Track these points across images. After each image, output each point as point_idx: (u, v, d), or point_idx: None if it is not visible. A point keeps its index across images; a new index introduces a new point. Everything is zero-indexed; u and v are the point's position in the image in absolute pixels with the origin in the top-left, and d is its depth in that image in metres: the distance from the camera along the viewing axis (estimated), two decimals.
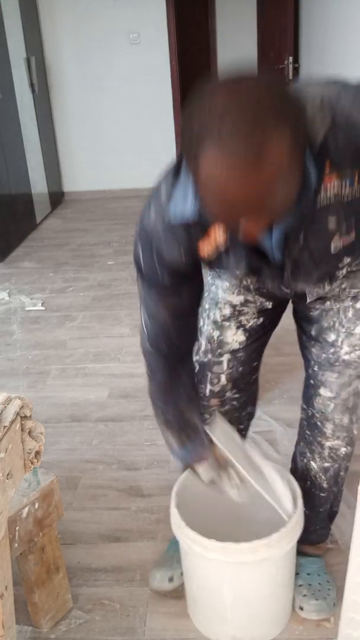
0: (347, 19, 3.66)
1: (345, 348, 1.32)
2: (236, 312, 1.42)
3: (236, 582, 1.34)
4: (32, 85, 5.03)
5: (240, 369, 1.49)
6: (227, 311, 1.42)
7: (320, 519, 1.53)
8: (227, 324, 1.43)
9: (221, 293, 1.42)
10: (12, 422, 0.97)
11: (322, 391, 1.37)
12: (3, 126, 4.40)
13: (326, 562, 1.61)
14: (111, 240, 4.65)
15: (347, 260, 1.13)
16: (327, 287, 1.24)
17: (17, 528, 1.29)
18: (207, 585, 1.38)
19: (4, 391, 1.02)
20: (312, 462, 1.44)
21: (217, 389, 1.50)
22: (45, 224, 5.22)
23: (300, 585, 1.51)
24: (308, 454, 1.44)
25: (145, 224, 1.07)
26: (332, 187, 0.94)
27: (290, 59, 5.07)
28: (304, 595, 1.49)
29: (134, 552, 1.71)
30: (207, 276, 1.48)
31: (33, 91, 5.06)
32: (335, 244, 1.06)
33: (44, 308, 3.45)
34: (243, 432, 1.63)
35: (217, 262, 1.09)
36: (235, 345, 1.45)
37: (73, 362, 2.82)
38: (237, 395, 1.53)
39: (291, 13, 4.95)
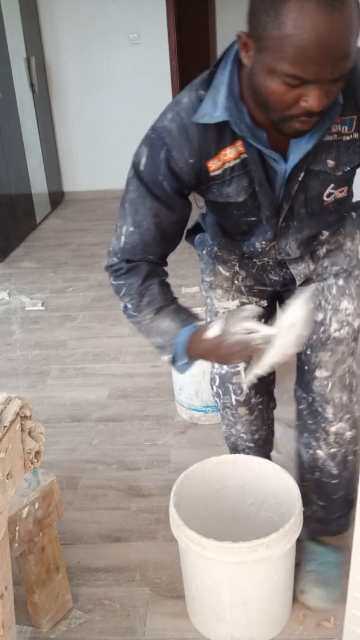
0: None
1: (334, 325, 1.35)
2: None
3: (235, 582, 1.34)
4: (32, 85, 5.03)
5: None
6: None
7: (337, 507, 1.52)
8: None
9: (217, 303, 1.45)
10: (12, 422, 0.97)
11: (318, 372, 1.38)
12: (3, 126, 4.40)
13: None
14: (111, 240, 4.64)
15: (332, 217, 1.25)
16: (311, 266, 1.32)
17: (17, 528, 1.29)
18: (205, 585, 1.38)
19: (4, 391, 1.02)
20: (318, 451, 1.44)
21: (242, 398, 1.52)
22: (45, 224, 5.22)
23: (309, 571, 1.52)
24: (313, 443, 1.44)
25: (158, 128, 1.10)
26: (337, 125, 1.07)
27: None
28: (309, 581, 1.50)
29: (134, 552, 1.71)
30: (201, 291, 1.50)
31: (33, 91, 5.06)
32: (329, 192, 1.15)
33: (44, 308, 3.45)
34: (270, 426, 1.65)
35: (216, 185, 1.14)
36: None
37: (73, 362, 2.82)
38: (261, 399, 1.56)
39: None
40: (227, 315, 1.23)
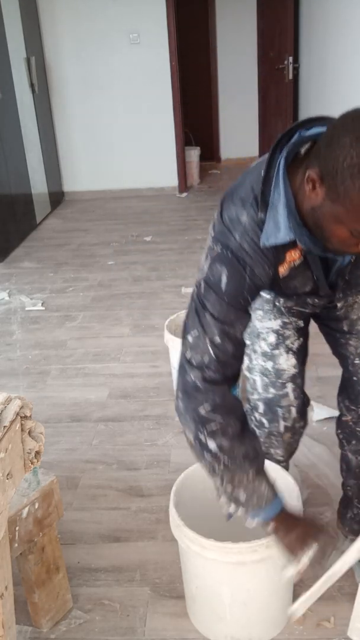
0: (347, 19, 3.66)
1: None
2: (281, 337, 1.44)
3: (235, 582, 1.34)
4: (32, 85, 5.03)
5: (302, 396, 1.52)
6: (272, 339, 1.44)
7: None
8: (276, 351, 1.45)
9: (258, 324, 1.45)
10: (12, 422, 0.97)
11: None
12: (3, 126, 4.40)
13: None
14: (111, 240, 4.65)
15: None
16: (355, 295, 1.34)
17: (17, 528, 1.29)
18: (205, 585, 1.38)
19: (4, 391, 1.02)
20: None
21: (289, 423, 1.52)
22: (45, 224, 5.22)
23: None
24: None
25: (232, 247, 1.10)
26: None
27: (290, 59, 5.07)
28: None
29: (134, 552, 1.71)
30: None
31: (33, 91, 5.06)
32: None
33: (44, 308, 3.45)
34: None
35: (285, 282, 1.19)
36: (292, 371, 1.47)
37: (73, 362, 2.82)
38: (302, 423, 1.57)
39: (291, 13, 4.95)
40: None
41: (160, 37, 5.39)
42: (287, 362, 1.46)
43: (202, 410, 1.12)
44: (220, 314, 1.11)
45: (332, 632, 1.44)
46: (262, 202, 1.07)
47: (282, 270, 1.15)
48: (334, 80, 4.02)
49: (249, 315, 1.18)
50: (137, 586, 1.61)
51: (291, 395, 1.48)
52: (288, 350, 1.45)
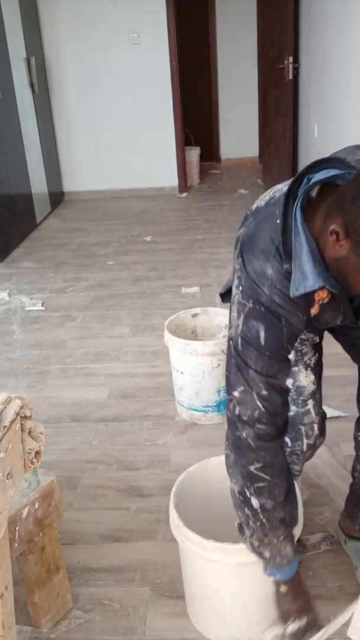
0: (347, 19, 3.66)
1: None
2: (299, 354, 1.45)
3: (235, 582, 1.34)
4: (32, 85, 5.03)
5: (322, 412, 1.53)
6: (291, 356, 1.42)
7: None
8: (296, 368, 1.46)
9: None
10: (12, 422, 0.97)
11: None
12: (3, 126, 4.40)
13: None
14: (111, 240, 4.65)
15: None
16: None
17: (17, 528, 1.29)
18: (205, 585, 1.38)
19: (4, 391, 1.02)
20: None
21: (312, 441, 1.52)
22: (45, 224, 5.22)
23: None
24: None
25: (264, 302, 1.10)
26: None
27: (290, 59, 5.06)
28: None
29: (134, 552, 1.71)
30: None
31: (33, 91, 5.07)
32: None
33: (44, 308, 3.45)
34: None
35: (316, 319, 1.21)
36: (312, 387, 1.48)
37: (73, 362, 2.82)
38: (322, 439, 1.57)
39: (291, 13, 4.94)
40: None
41: (160, 37, 5.40)
42: (306, 379, 1.46)
43: (253, 468, 1.15)
44: (264, 369, 1.12)
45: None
46: (285, 253, 1.07)
47: (314, 310, 1.17)
48: (334, 80, 4.02)
49: (290, 362, 1.19)
50: (137, 586, 1.61)
51: (312, 412, 1.49)
52: (307, 366, 1.46)
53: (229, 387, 1.16)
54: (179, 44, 5.47)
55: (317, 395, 1.49)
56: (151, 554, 1.70)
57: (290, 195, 1.05)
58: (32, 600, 1.46)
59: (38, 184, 5.16)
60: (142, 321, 3.19)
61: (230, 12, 6.57)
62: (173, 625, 1.48)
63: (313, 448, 1.55)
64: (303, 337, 1.44)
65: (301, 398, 1.47)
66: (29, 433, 1.03)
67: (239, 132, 6.99)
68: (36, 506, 1.33)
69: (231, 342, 1.15)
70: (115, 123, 5.71)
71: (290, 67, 5.10)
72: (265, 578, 1.32)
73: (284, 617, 1.23)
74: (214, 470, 1.51)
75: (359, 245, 0.94)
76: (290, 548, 1.21)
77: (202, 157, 6.47)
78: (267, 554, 1.20)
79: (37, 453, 1.04)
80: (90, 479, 2.02)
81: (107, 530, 1.80)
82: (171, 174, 5.88)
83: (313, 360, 1.47)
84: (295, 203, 1.05)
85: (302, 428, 1.50)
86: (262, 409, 1.13)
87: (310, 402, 1.48)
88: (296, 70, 5.22)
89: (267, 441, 1.14)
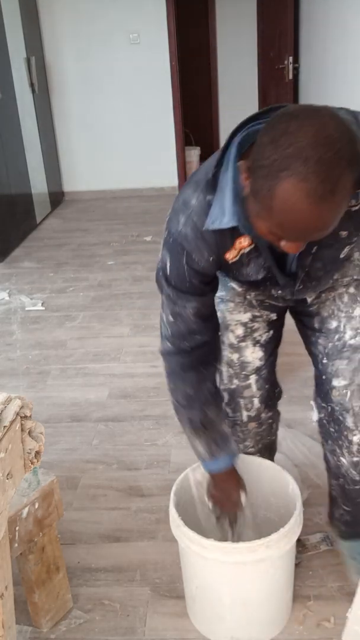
0: (347, 19, 3.66)
1: (349, 332, 1.36)
2: (249, 330, 1.45)
3: (235, 582, 1.34)
4: (32, 85, 5.03)
5: (267, 386, 1.52)
6: (240, 331, 1.45)
7: None
8: (243, 344, 1.46)
9: (228, 315, 1.45)
10: (12, 422, 0.97)
11: (336, 382, 1.38)
12: (3, 126, 4.40)
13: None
14: (111, 240, 4.65)
15: (349, 265, 1.30)
16: (319, 287, 1.32)
17: (17, 528, 1.29)
18: (206, 585, 1.38)
19: (4, 391, 1.02)
20: (342, 458, 1.43)
21: (253, 413, 1.52)
22: (45, 224, 5.22)
23: (354, 559, 1.56)
24: (337, 451, 1.44)
25: (174, 233, 1.14)
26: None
27: (290, 59, 5.07)
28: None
29: (134, 552, 1.71)
30: None
31: (33, 91, 5.06)
32: (345, 251, 1.18)
33: (44, 308, 3.45)
34: (276, 434, 1.69)
35: (236, 268, 1.19)
36: (257, 363, 1.48)
37: (73, 362, 2.82)
38: (270, 414, 1.57)
39: (291, 13, 4.95)
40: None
41: (160, 37, 5.39)
42: (252, 355, 1.47)
43: (165, 370, 1.35)
44: (170, 296, 1.21)
45: (332, 632, 1.44)
46: (212, 185, 1.06)
47: (230, 256, 1.15)
48: (334, 80, 4.02)
49: (205, 297, 1.22)
50: (137, 586, 1.61)
51: (254, 387, 1.49)
52: (255, 342, 1.46)
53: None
54: (179, 44, 5.47)
55: (262, 371, 1.49)
56: (151, 554, 1.70)
57: (236, 132, 1.05)
58: (32, 600, 1.46)
59: (38, 184, 5.16)
60: (142, 321, 3.19)
61: (230, 12, 6.57)
62: (173, 625, 1.48)
63: (257, 421, 1.54)
64: (257, 313, 1.43)
65: (243, 372, 1.47)
66: (29, 433, 1.03)
67: None
68: (36, 506, 1.33)
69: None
70: (115, 123, 5.71)
71: (290, 67, 5.11)
72: (265, 577, 1.32)
73: (211, 499, 1.41)
74: None
75: (253, 185, 0.92)
76: (202, 447, 1.35)
77: (202, 157, 6.47)
78: (192, 447, 1.38)
79: (37, 453, 1.04)
80: (90, 479, 2.02)
81: (107, 530, 1.80)
82: (171, 174, 5.88)
83: (265, 337, 1.47)
84: (235, 139, 1.05)
85: (241, 401, 1.51)
86: (168, 331, 1.26)
87: (253, 377, 1.48)
88: (296, 70, 5.22)
89: (169, 354, 1.30)
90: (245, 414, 1.52)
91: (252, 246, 1.13)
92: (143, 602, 1.56)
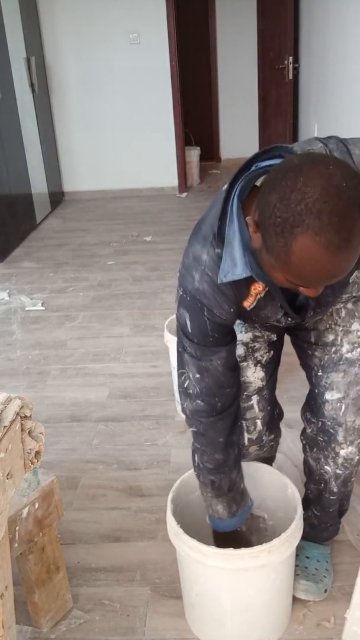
0: (347, 19, 3.66)
1: (346, 346, 1.35)
2: (250, 350, 1.45)
3: (236, 588, 1.33)
4: (32, 85, 5.03)
5: (269, 408, 1.52)
6: (241, 351, 1.44)
7: (330, 518, 1.54)
8: (244, 363, 1.45)
9: None
10: (12, 422, 0.97)
11: (329, 395, 1.36)
12: (3, 126, 4.40)
13: (333, 558, 1.61)
14: (111, 240, 4.65)
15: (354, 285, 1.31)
16: (327, 311, 1.34)
17: (17, 528, 1.29)
18: (206, 592, 1.36)
19: (4, 391, 1.02)
20: (326, 467, 1.41)
21: (254, 436, 1.52)
22: (45, 224, 5.22)
23: (296, 566, 1.52)
24: (322, 460, 1.42)
25: (190, 290, 1.15)
26: None
27: (290, 59, 5.07)
28: (297, 575, 1.51)
29: (134, 552, 1.71)
30: None
31: (33, 91, 5.06)
32: (354, 274, 1.23)
33: (44, 308, 3.45)
34: (274, 455, 1.70)
35: (254, 313, 1.21)
36: (259, 384, 1.47)
37: (73, 362, 2.82)
38: (272, 436, 1.57)
39: (291, 13, 4.95)
40: None
41: (160, 37, 5.39)
42: (254, 375, 1.46)
43: (192, 430, 1.34)
44: (195, 353, 1.21)
45: (332, 632, 1.44)
46: (220, 238, 1.07)
47: (247, 304, 1.16)
48: (334, 80, 4.02)
49: (229, 345, 1.23)
50: (137, 586, 1.61)
51: (256, 408, 1.48)
52: (256, 363, 1.46)
53: (179, 365, 1.28)
54: (179, 44, 5.47)
55: (264, 392, 1.49)
56: (151, 554, 1.70)
57: (235, 181, 1.05)
58: (32, 600, 1.46)
59: (38, 184, 5.16)
60: (142, 321, 3.19)
61: (230, 12, 6.57)
62: (173, 625, 1.48)
63: (259, 444, 1.53)
64: (258, 334, 1.44)
65: (245, 393, 1.47)
66: (29, 433, 1.03)
67: (239, 132, 6.99)
68: (36, 506, 1.33)
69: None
70: (115, 123, 5.71)
71: (290, 67, 5.11)
72: (266, 582, 1.32)
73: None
74: None
75: (265, 241, 0.93)
76: (222, 508, 1.36)
77: (202, 157, 6.47)
78: (204, 502, 1.39)
79: (37, 453, 1.04)
80: (90, 479, 2.02)
81: (107, 530, 1.80)
82: (171, 174, 5.88)
83: (265, 357, 1.46)
84: (235, 189, 1.05)
85: (244, 423, 1.49)
86: (197, 389, 1.24)
87: (255, 398, 1.47)
88: (296, 70, 5.22)
89: (201, 416, 1.27)
90: (247, 437, 1.51)
91: (267, 290, 1.15)
92: (143, 602, 1.56)
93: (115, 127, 5.73)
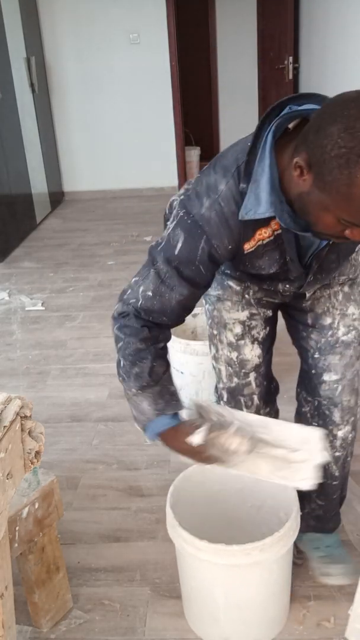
0: (347, 19, 3.66)
1: (342, 329, 1.38)
2: (247, 328, 1.45)
3: (228, 584, 1.33)
4: (32, 85, 5.03)
5: (265, 383, 1.53)
6: (238, 329, 1.45)
7: (334, 506, 1.56)
8: (242, 342, 1.46)
9: (226, 314, 1.45)
10: (12, 422, 0.97)
11: (327, 376, 1.39)
12: (3, 126, 4.40)
13: None
14: (111, 240, 4.65)
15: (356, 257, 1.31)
16: (325, 280, 1.33)
17: (17, 528, 1.29)
18: (200, 586, 1.37)
19: (4, 391, 1.03)
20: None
21: (252, 410, 1.52)
22: (45, 224, 5.22)
23: (322, 556, 1.55)
24: None
25: (195, 215, 1.10)
26: None
27: (290, 59, 5.07)
28: (328, 562, 1.53)
29: (134, 552, 1.71)
30: (206, 304, 1.50)
31: (33, 91, 5.06)
32: (353, 254, 1.22)
33: (44, 308, 3.45)
34: None
35: (249, 259, 1.17)
36: (256, 361, 1.48)
37: (73, 362, 2.82)
38: (268, 409, 1.57)
39: (291, 13, 4.95)
40: (210, 426, 1.19)
41: (160, 37, 5.39)
42: (251, 353, 1.47)
43: (116, 330, 1.24)
44: (164, 274, 1.14)
45: (332, 632, 1.44)
46: (246, 173, 1.05)
47: (248, 246, 1.13)
48: (334, 80, 4.02)
49: (196, 289, 1.17)
50: (137, 586, 1.61)
51: (253, 384, 1.50)
52: (253, 340, 1.46)
53: (137, 274, 1.21)
54: (179, 44, 5.47)
55: (261, 368, 1.49)
56: (151, 554, 1.70)
57: (266, 118, 1.04)
58: (32, 600, 1.46)
59: (38, 184, 5.16)
60: None
61: (230, 12, 6.57)
62: (173, 625, 1.48)
63: None
64: (254, 311, 1.44)
65: (243, 371, 1.48)
66: (29, 433, 1.03)
67: (239, 132, 6.91)
68: (36, 506, 1.33)
69: (154, 242, 1.18)
70: (115, 123, 5.71)
71: (290, 67, 5.11)
72: (260, 580, 1.32)
73: (188, 456, 1.22)
74: (213, 472, 1.50)
75: (321, 179, 0.92)
76: (147, 404, 1.20)
77: (202, 157, 6.47)
78: (134, 413, 1.24)
79: (37, 453, 1.04)
80: (90, 479, 2.02)
81: (107, 530, 1.80)
82: (171, 174, 5.88)
83: (262, 334, 1.47)
84: (269, 127, 1.03)
85: (242, 399, 1.51)
86: (140, 301, 1.17)
87: (252, 375, 1.48)
88: (296, 70, 5.22)
89: (128, 317, 1.20)
90: (245, 411, 1.52)
91: (271, 238, 1.12)
92: (143, 602, 1.56)
93: (115, 127, 5.73)
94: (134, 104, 5.65)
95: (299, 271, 1.20)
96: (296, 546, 1.53)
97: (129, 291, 1.21)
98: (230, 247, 1.12)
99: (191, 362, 2.19)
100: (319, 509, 1.54)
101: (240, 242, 1.12)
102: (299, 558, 1.57)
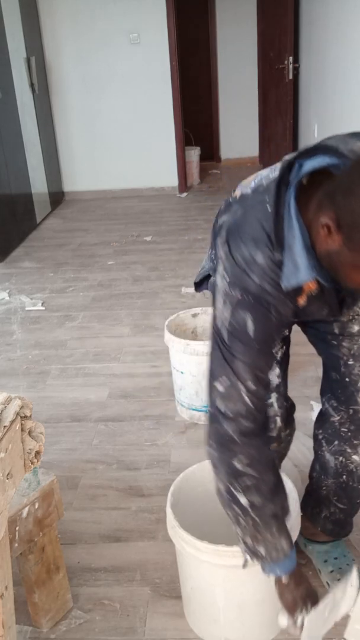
0: (347, 19, 3.66)
1: None
2: None
3: (228, 585, 1.33)
4: (32, 85, 5.03)
5: (285, 404, 1.52)
6: None
7: (355, 510, 1.55)
8: None
9: None
10: (12, 422, 0.97)
11: None
12: (3, 126, 4.40)
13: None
14: (111, 240, 4.65)
15: None
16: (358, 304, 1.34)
17: (17, 528, 1.29)
18: (200, 586, 1.37)
19: (4, 391, 1.02)
20: (354, 456, 1.43)
21: (274, 433, 1.51)
22: (45, 224, 5.22)
23: (332, 572, 1.54)
24: (349, 450, 1.43)
25: (253, 291, 1.08)
26: None
27: (290, 59, 5.07)
28: (339, 579, 1.51)
29: (134, 552, 1.71)
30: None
31: (33, 91, 5.06)
32: None
33: (44, 308, 3.45)
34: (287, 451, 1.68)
35: (302, 310, 1.18)
36: (276, 381, 1.47)
37: (73, 362, 2.82)
38: (288, 431, 1.56)
39: (291, 13, 4.95)
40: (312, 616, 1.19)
41: (160, 37, 5.39)
42: (272, 372, 1.45)
43: (238, 464, 1.11)
44: (253, 361, 1.10)
45: (332, 632, 1.44)
46: (277, 242, 1.04)
47: (301, 301, 1.14)
48: (334, 80, 4.02)
49: (274, 355, 1.19)
50: (137, 586, 1.61)
51: (275, 405, 1.48)
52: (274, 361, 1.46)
53: (211, 378, 1.13)
54: (179, 44, 5.47)
55: (281, 388, 1.48)
56: (151, 554, 1.70)
57: (282, 182, 1.03)
58: (32, 600, 1.46)
59: (38, 184, 5.16)
60: (142, 321, 3.19)
61: (230, 12, 6.57)
62: (173, 625, 1.49)
63: (278, 441, 1.53)
64: None
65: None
66: (29, 433, 1.03)
67: (239, 132, 6.99)
68: (36, 506, 1.33)
69: (216, 334, 1.12)
70: (115, 123, 5.71)
71: (290, 67, 5.11)
72: (260, 581, 1.31)
73: (290, 606, 1.20)
74: (212, 472, 1.50)
75: (352, 240, 0.92)
76: (285, 540, 1.16)
77: (202, 157, 6.47)
78: (262, 552, 1.16)
79: (37, 453, 1.04)
80: (90, 479, 2.02)
81: (107, 530, 1.80)
82: (171, 174, 5.88)
83: (280, 354, 1.46)
84: (289, 191, 1.03)
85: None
86: (249, 403, 1.10)
87: (274, 396, 1.47)
88: (296, 70, 5.22)
89: (250, 437, 1.11)
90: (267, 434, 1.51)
91: (318, 288, 1.13)
92: (143, 602, 1.56)
93: (115, 127, 5.73)
94: (134, 104, 5.65)
95: (338, 313, 1.23)
96: (297, 546, 1.53)
97: (222, 403, 1.11)
98: (293, 306, 1.13)
99: (191, 362, 2.19)
100: (339, 512, 1.53)
101: (295, 300, 1.13)
102: (300, 558, 1.57)
